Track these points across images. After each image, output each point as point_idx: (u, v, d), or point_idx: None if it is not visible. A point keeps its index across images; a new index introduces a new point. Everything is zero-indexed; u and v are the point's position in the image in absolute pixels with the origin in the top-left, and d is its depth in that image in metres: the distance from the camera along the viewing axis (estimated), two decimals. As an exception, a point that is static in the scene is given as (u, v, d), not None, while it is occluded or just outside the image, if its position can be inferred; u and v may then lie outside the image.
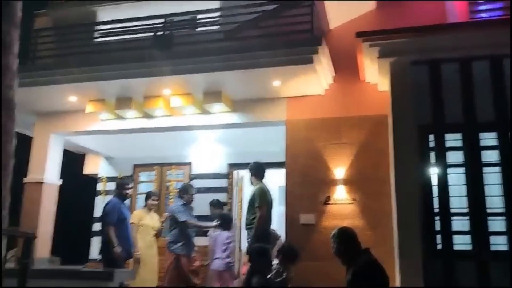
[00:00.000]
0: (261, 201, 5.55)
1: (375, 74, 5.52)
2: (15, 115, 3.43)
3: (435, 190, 4.69)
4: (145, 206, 6.86)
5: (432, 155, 4.80)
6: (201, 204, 6.95)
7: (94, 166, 9.10)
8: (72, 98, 6.51)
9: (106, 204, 6.02)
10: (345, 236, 3.71)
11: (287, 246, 4.85)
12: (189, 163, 8.47)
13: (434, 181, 4.72)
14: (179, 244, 6.15)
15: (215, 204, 6.86)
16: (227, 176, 8.13)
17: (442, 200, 4.62)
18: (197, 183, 7.66)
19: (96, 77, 6.03)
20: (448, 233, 4.55)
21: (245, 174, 7.56)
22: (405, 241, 4.63)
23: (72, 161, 9.17)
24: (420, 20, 5.50)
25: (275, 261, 4.68)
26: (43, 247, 6.98)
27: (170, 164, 8.52)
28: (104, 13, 7.36)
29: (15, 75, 3.52)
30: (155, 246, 6.67)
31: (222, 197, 7.65)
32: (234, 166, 8.16)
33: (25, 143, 7.46)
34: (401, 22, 5.45)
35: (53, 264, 7.11)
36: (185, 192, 6.50)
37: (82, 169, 9.24)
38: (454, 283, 4.44)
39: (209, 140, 7.63)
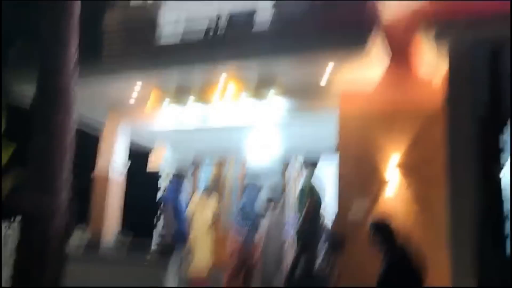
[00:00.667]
0: (311, 194, 5.79)
1: (431, 62, 5.32)
2: (73, 111, 3.79)
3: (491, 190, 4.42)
4: (203, 192, 7.11)
5: (490, 147, 4.53)
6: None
7: (157, 161, 9.58)
8: (137, 88, 6.89)
9: (166, 188, 6.37)
10: (381, 228, 3.69)
11: (334, 236, 4.84)
12: (245, 158, 8.68)
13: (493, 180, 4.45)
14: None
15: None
16: (282, 170, 8.24)
17: (499, 200, 4.34)
18: (253, 179, 7.81)
19: (159, 65, 6.38)
20: (502, 225, 4.27)
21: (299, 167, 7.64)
22: (458, 229, 4.41)
23: (138, 157, 9.72)
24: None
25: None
26: (112, 222, 7.44)
27: (228, 158, 8.81)
28: (168, 8, 7.72)
29: (73, 73, 3.87)
30: (210, 236, 6.85)
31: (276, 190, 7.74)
32: (288, 159, 8.22)
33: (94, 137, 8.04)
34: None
35: (123, 240, 7.45)
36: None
37: (146, 165, 9.78)
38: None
39: (264, 129, 7.71)
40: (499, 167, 4.47)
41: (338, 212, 5.90)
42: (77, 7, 3.91)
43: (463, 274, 4.30)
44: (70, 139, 3.72)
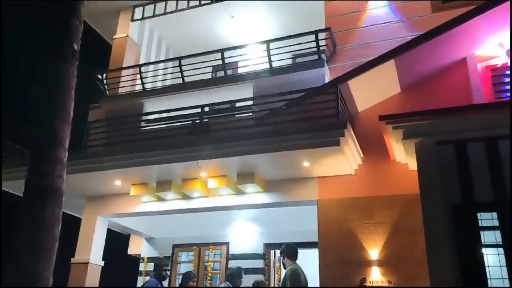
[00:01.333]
0: (293, 282, 5.54)
1: (403, 155, 5.64)
2: (62, 202, 3.82)
3: (471, 271, 4.54)
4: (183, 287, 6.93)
5: (466, 234, 4.71)
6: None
7: (137, 247, 9.45)
8: (118, 182, 7.02)
9: (145, 284, 6.20)
10: None
11: None
12: (227, 243, 8.62)
13: (470, 261, 4.59)
14: None
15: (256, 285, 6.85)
16: (264, 256, 8.18)
17: (479, 281, 4.44)
18: (234, 264, 7.72)
19: (139, 163, 6.52)
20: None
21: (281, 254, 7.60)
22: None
23: (117, 241, 9.59)
24: (445, 101, 5.70)
25: None
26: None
27: (208, 244, 8.70)
28: (150, 105, 8.11)
29: (65, 166, 3.96)
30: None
31: (259, 277, 7.65)
32: (270, 245, 8.22)
33: (74, 225, 7.97)
34: (426, 103, 5.68)
35: None
36: (236, 277, 6.60)
37: (126, 249, 9.61)
38: None
39: (245, 220, 7.83)
40: (479, 249, 4.60)
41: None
42: (72, 106, 4.02)
43: None
44: (57, 231, 3.68)
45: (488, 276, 4.49)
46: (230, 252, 8.52)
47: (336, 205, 6.23)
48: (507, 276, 4.44)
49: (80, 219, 7.89)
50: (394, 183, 6.04)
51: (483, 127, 4.90)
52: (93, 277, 7.47)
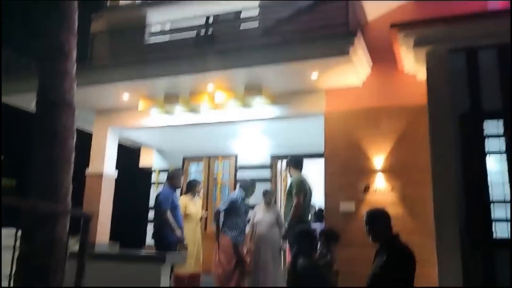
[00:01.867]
0: (299, 190, 5.78)
1: (413, 64, 5.55)
2: (75, 115, 3.87)
3: (474, 179, 4.70)
4: (189, 193, 7.25)
5: (471, 143, 4.80)
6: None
7: (148, 159, 9.74)
8: (126, 96, 7.05)
9: (159, 194, 6.51)
10: (378, 217, 3.80)
11: (329, 228, 5.05)
12: (235, 155, 8.86)
13: (473, 169, 4.73)
14: (235, 232, 6.59)
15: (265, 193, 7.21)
16: (271, 167, 8.43)
17: (481, 189, 4.63)
18: (243, 174, 8.02)
19: (147, 75, 6.50)
20: (486, 222, 4.56)
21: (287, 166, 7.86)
22: (443, 230, 4.68)
23: (129, 155, 9.89)
24: (459, 10, 5.47)
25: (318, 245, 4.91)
26: (103, 233, 7.64)
27: (217, 156, 8.96)
28: (155, 14, 7.83)
29: (74, 79, 3.96)
30: (198, 233, 7.04)
31: (266, 187, 7.98)
32: (277, 157, 8.44)
33: (86, 138, 8.18)
34: (438, 12, 5.45)
35: (112, 248, 7.75)
36: (245, 189, 6.92)
37: (138, 162, 9.94)
38: (493, 273, 4.45)
39: (252, 132, 7.94)
40: (482, 157, 4.74)
41: (326, 209, 6.17)
42: (76, 16, 3.94)
43: (449, 271, 4.58)
44: (72, 142, 3.73)
45: (489, 181, 4.67)
46: (238, 164, 8.80)
47: (343, 117, 6.29)
48: (508, 181, 4.62)
49: (91, 134, 8.07)
50: (402, 94, 6.03)
51: (496, 34, 4.76)
52: (108, 188, 7.83)
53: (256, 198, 7.40)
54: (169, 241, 6.17)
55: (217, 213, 6.75)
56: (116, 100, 7.25)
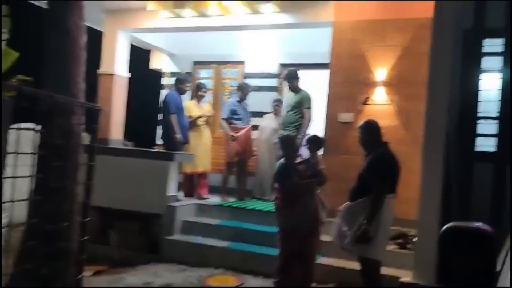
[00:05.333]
0: (310, 105, 6.40)
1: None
2: (84, 14, 3.97)
3: (467, 94, 4.87)
4: (194, 97, 7.57)
5: (469, 59, 4.89)
6: (254, 102, 7.71)
7: (159, 62, 9.90)
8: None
9: (166, 96, 6.83)
10: (369, 127, 4.14)
11: (313, 135, 5.42)
12: (243, 62, 8.97)
13: (468, 85, 4.88)
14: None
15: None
16: (278, 75, 8.59)
17: (472, 104, 4.82)
18: (250, 82, 8.21)
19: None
20: (472, 135, 4.82)
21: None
22: (430, 141, 4.95)
23: (140, 56, 10.01)
24: None
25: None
26: (116, 131, 8.12)
27: (226, 63, 9.09)
28: None
29: None
30: (206, 136, 7.46)
31: (273, 95, 8.23)
32: (285, 66, 8.53)
33: (97, 37, 8.29)
34: None
35: (126, 145, 8.28)
36: (241, 90, 7.27)
37: (148, 64, 10.11)
38: (474, 182, 4.81)
39: (260, 40, 7.97)
40: (478, 77, 4.89)
41: (326, 118, 6.46)
42: None
43: (430, 179, 4.94)
44: (83, 41, 3.86)
45: (480, 99, 4.84)
46: (246, 71, 8.94)
47: (350, 28, 6.29)
48: (498, 99, 4.79)
49: (102, 32, 8.16)
50: (409, 7, 5.94)
51: None
52: (120, 87, 8.13)
53: (267, 106, 7.75)
54: (175, 142, 6.63)
55: (223, 122, 7.20)
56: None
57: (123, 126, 8.32)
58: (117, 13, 7.81)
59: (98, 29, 8.35)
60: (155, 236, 6.36)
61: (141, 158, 6.61)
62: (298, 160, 5.00)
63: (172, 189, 6.49)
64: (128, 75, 8.35)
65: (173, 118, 6.60)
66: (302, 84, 6.79)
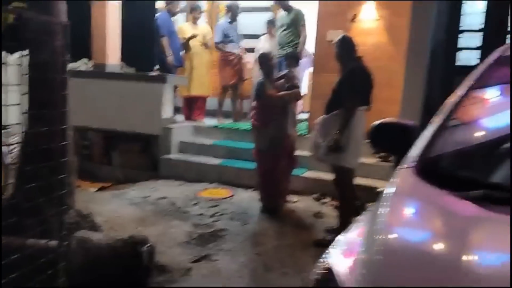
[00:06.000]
0: (304, 21, 6.58)
1: None
2: None
3: (449, 10, 4.84)
4: (189, 19, 7.54)
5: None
6: (249, 24, 7.68)
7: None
8: None
9: (157, 19, 6.84)
10: (343, 43, 4.23)
11: (290, 51, 5.46)
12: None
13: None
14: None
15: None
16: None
17: (453, 20, 4.80)
18: (243, 3, 8.09)
19: None
20: (452, 51, 4.86)
21: None
22: (414, 56, 5.03)
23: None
24: None
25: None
26: (113, 57, 8.19)
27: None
28: None
29: None
30: (204, 59, 7.53)
31: (267, 16, 8.14)
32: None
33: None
34: None
35: (124, 69, 8.37)
36: (230, 10, 7.21)
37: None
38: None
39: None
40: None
41: (317, 36, 6.48)
42: None
43: (411, 95, 5.09)
44: None
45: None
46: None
47: None
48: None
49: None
50: None
51: None
52: (113, 13, 8.07)
53: (261, 28, 7.70)
54: (168, 65, 6.75)
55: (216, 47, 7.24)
56: None
57: (120, 52, 8.38)
58: None
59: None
60: (154, 155, 6.73)
61: (136, 82, 6.80)
62: (277, 76, 5.13)
63: (167, 112, 6.74)
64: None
65: (165, 41, 6.68)
66: (294, 3, 6.72)
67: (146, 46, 9.71)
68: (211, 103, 7.82)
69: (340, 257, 1.38)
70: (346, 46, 4.20)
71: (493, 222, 1.24)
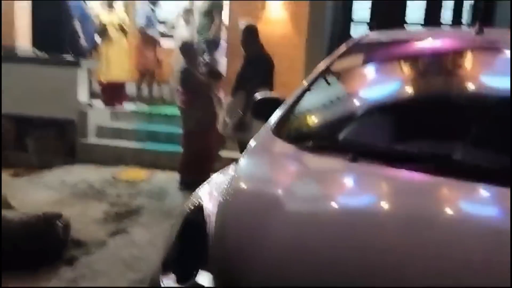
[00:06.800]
0: (220, 8, 6.70)
1: None
2: None
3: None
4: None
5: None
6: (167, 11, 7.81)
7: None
8: None
9: (68, 3, 6.77)
10: (246, 31, 4.65)
11: (210, 39, 5.77)
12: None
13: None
14: None
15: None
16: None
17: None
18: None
19: None
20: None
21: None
22: (313, 40, 5.55)
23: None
24: None
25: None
26: (23, 40, 7.94)
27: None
28: None
29: None
30: (120, 44, 7.53)
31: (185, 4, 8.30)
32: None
33: None
34: None
35: (34, 53, 8.13)
36: None
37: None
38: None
39: None
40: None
41: (229, 24, 6.84)
42: None
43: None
44: None
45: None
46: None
47: None
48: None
49: None
50: None
51: None
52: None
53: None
54: (80, 49, 6.74)
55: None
56: None
57: (30, 35, 8.12)
58: None
59: None
60: (70, 140, 6.72)
61: (49, 66, 6.70)
62: (199, 62, 5.44)
63: (83, 96, 6.74)
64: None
65: (76, 24, 6.64)
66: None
67: (57, 30, 9.50)
68: (130, 88, 7.88)
69: (208, 196, 1.75)
70: (249, 35, 4.60)
71: (310, 161, 1.69)
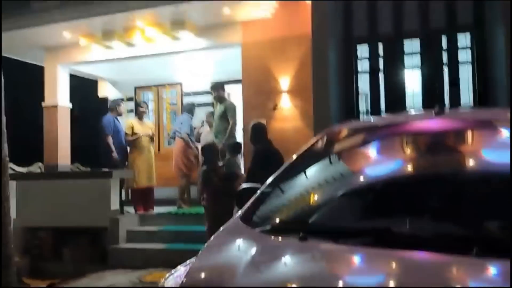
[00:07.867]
0: (235, 113, 7.14)
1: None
2: None
3: (347, 92, 5.85)
4: (136, 115, 8.32)
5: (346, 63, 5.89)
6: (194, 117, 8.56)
7: (104, 90, 10.66)
8: (66, 34, 7.81)
9: (102, 120, 7.60)
10: (254, 129, 5.07)
11: (233, 142, 6.26)
12: (180, 83, 9.85)
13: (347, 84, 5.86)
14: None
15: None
16: (211, 92, 9.45)
17: (352, 100, 5.79)
18: (188, 100, 9.08)
19: (83, 15, 7.25)
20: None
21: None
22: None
23: (88, 86, 10.76)
24: None
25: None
26: (64, 157, 8.79)
27: (164, 85, 9.95)
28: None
29: None
30: (150, 152, 8.18)
31: (209, 110, 9.09)
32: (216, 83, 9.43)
33: (40, 72, 9.02)
34: None
35: (74, 168, 8.94)
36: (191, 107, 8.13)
37: (96, 93, 10.85)
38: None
39: (194, 62, 8.83)
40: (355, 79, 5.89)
41: (243, 125, 7.36)
42: None
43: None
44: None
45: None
46: (184, 91, 9.81)
47: (256, 46, 7.27)
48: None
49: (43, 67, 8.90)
50: (303, 24, 6.84)
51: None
52: (63, 118, 8.84)
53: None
54: (113, 161, 7.39)
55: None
56: (60, 37, 8.01)
57: (70, 152, 8.99)
58: (55, 49, 8.56)
59: (40, 64, 9.08)
60: (103, 247, 7.04)
61: (85, 179, 7.32)
62: (219, 164, 5.83)
63: (114, 204, 7.21)
64: (70, 105, 9.05)
65: (109, 139, 7.36)
66: (231, 97, 7.66)
67: (93, 146, 10.48)
68: (161, 193, 8.33)
69: (174, 280, 1.92)
70: (257, 132, 5.01)
71: (264, 242, 1.88)
